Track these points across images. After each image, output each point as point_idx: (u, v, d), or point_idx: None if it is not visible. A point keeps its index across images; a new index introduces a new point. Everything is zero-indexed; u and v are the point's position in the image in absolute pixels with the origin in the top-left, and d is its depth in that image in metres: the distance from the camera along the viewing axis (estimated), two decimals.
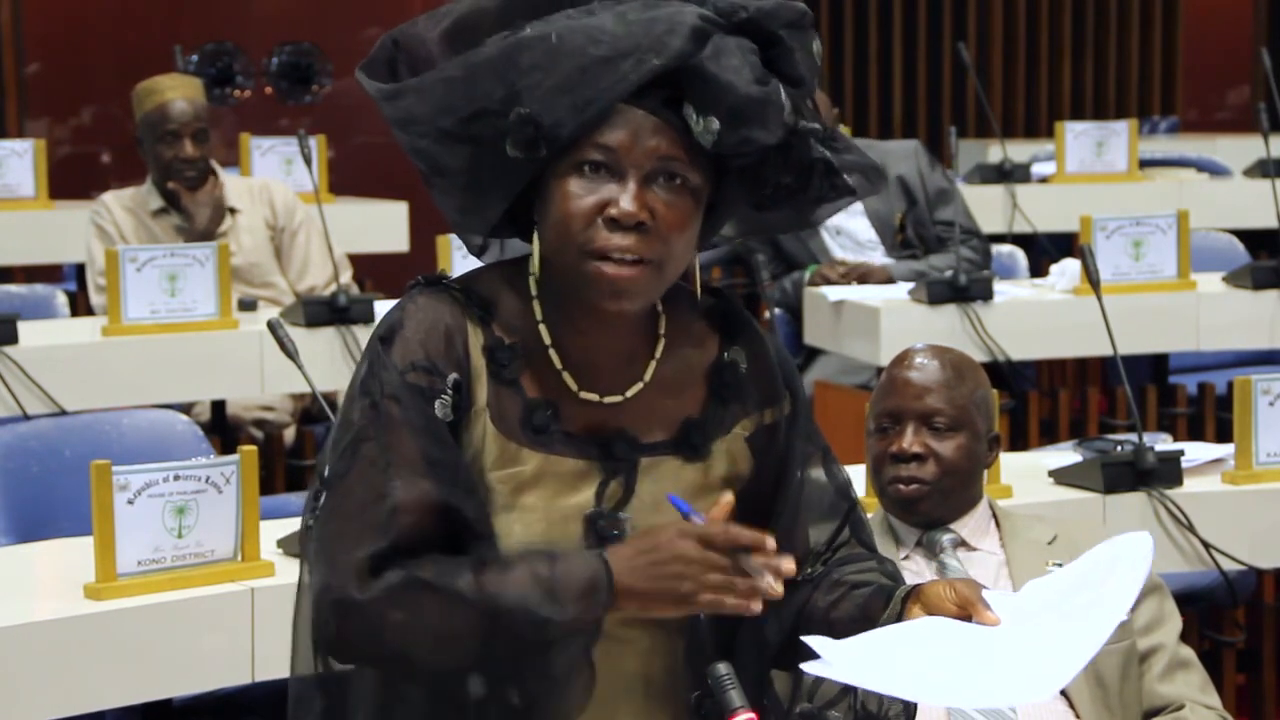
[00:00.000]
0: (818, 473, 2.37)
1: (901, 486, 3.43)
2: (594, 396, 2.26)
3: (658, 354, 2.29)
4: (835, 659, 2.15)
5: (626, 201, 2.17)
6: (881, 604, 2.27)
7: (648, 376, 2.28)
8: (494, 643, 2.13)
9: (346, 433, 2.20)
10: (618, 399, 2.27)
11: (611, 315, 2.22)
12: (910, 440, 3.43)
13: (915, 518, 3.44)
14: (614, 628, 2.22)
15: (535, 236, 2.24)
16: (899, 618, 2.24)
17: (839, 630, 2.24)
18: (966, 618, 2.21)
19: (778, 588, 2.12)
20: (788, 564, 2.13)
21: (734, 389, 2.32)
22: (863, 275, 6.19)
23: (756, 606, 2.12)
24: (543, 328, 2.26)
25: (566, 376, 2.26)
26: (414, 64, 2.26)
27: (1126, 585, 2.19)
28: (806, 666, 2.16)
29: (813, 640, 2.18)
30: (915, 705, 2.33)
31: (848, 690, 2.32)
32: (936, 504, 3.43)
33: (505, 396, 2.23)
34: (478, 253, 2.35)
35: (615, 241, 2.17)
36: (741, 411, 2.32)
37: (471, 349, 2.23)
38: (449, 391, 2.20)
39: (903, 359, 3.52)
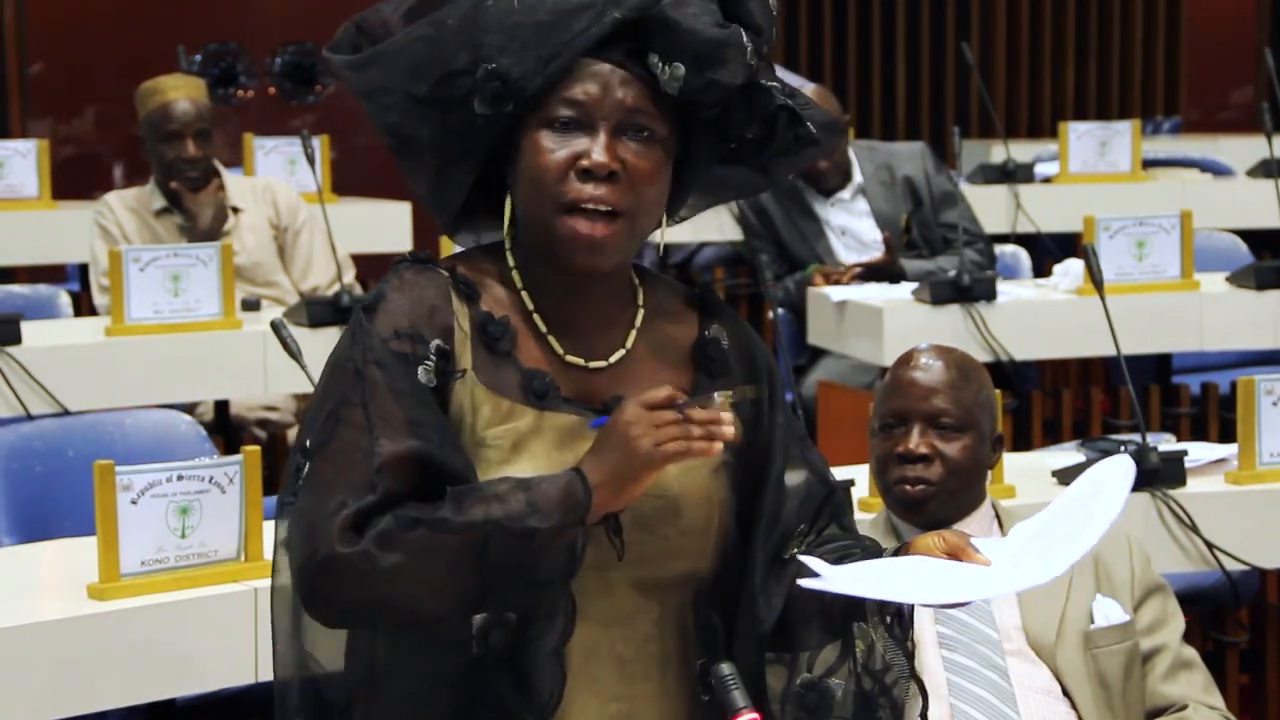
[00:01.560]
0: (797, 460, 2.40)
1: (908, 487, 3.43)
2: (580, 360, 2.30)
3: (638, 324, 2.34)
4: (829, 574, 2.20)
5: (598, 152, 2.22)
6: None
7: (629, 344, 2.32)
8: (486, 565, 2.14)
9: (328, 401, 2.22)
10: (602, 364, 2.31)
11: (587, 273, 2.26)
12: (917, 441, 3.43)
13: (920, 518, 3.44)
14: (624, 592, 2.26)
15: (509, 203, 2.29)
16: None
17: (829, 598, 2.27)
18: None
19: (728, 430, 2.17)
20: (727, 415, 2.18)
21: (720, 364, 2.37)
22: (870, 267, 6.19)
23: (717, 447, 2.17)
24: (524, 294, 2.30)
25: (552, 340, 2.29)
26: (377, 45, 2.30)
27: (1109, 506, 2.23)
28: (803, 582, 2.20)
29: (807, 559, 2.22)
30: (915, 667, 2.35)
31: (846, 656, 2.35)
32: (942, 505, 3.43)
33: (500, 366, 2.26)
34: (450, 232, 2.39)
35: (589, 192, 2.22)
36: (727, 385, 2.35)
37: (458, 320, 2.26)
38: (432, 357, 2.23)
39: (908, 360, 3.51)
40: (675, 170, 2.29)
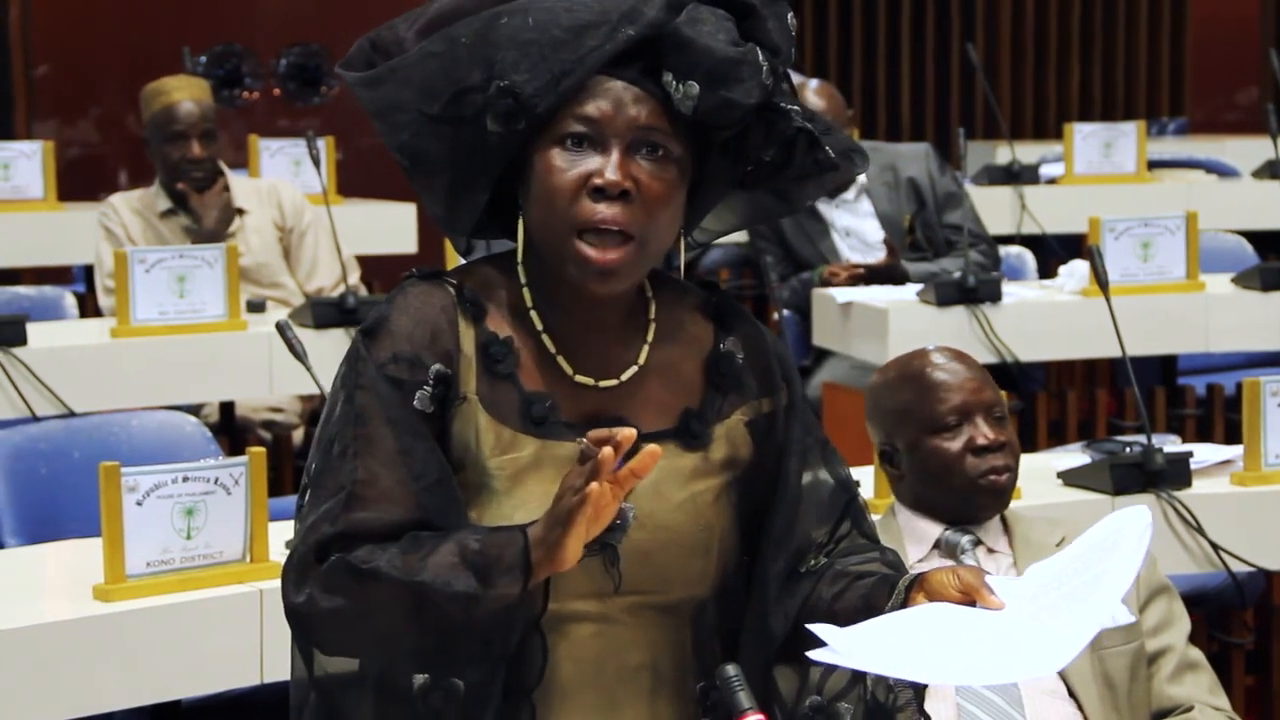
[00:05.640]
0: (817, 465, 2.37)
1: (996, 477, 3.40)
2: (589, 380, 2.27)
3: (650, 338, 2.30)
4: (840, 645, 2.16)
5: (610, 171, 2.18)
6: (885, 593, 2.26)
7: (641, 360, 2.29)
8: (426, 624, 2.12)
9: (326, 428, 2.22)
10: (613, 383, 2.27)
11: (598, 296, 2.23)
12: (993, 432, 3.41)
13: (1001, 507, 3.43)
14: (621, 617, 2.23)
15: (521, 221, 2.26)
16: (903, 606, 2.23)
17: (843, 621, 2.22)
18: (970, 603, 2.20)
19: (627, 432, 2.06)
20: (625, 432, 2.07)
21: (732, 379, 2.32)
22: (872, 269, 6.19)
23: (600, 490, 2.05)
24: (533, 314, 2.27)
25: (561, 360, 2.26)
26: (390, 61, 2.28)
27: (1127, 561, 2.18)
28: (813, 654, 2.16)
29: (817, 628, 2.18)
30: (924, 692, 2.33)
31: (856, 681, 2.32)
32: (1011, 491, 3.45)
33: (501, 390, 2.23)
34: (464, 251, 2.36)
35: (601, 212, 2.18)
36: (740, 400, 2.33)
37: (462, 342, 2.23)
38: (430, 383, 2.20)
39: (931, 361, 3.48)
40: (691, 192, 2.26)
